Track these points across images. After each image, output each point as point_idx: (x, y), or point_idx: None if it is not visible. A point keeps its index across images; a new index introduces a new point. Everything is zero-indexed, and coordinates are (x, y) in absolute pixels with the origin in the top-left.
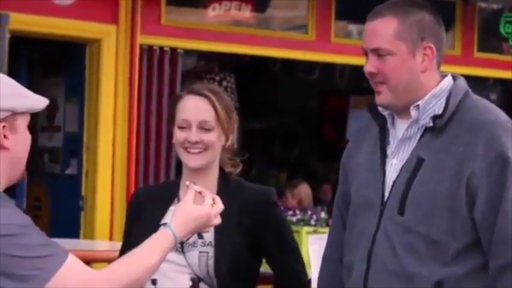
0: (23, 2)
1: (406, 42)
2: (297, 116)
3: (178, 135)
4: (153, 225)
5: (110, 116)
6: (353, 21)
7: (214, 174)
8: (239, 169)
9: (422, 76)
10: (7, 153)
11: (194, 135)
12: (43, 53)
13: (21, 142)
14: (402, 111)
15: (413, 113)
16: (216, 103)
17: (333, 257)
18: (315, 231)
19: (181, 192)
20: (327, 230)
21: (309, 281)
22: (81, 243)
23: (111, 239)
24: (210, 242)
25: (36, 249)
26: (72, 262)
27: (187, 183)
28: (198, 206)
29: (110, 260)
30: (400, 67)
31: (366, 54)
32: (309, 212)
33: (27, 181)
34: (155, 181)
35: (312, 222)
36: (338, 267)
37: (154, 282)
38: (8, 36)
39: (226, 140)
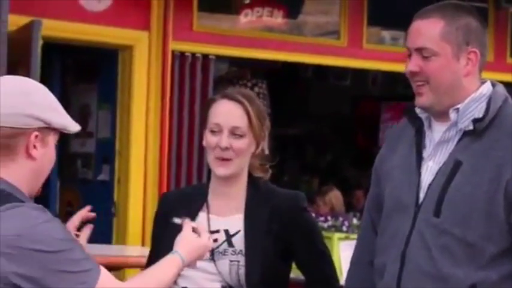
0: (56, 8)
1: (451, 44)
2: (329, 122)
3: (210, 139)
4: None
5: (142, 122)
6: (385, 27)
7: (243, 181)
8: (268, 175)
9: (464, 80)
10: (33, 163)
11: (225, 140)
12: (76, 60)
13: (48, 157)
14: (441, 114)
15: (452, 115)
16: (250, 109)
17: (362, 260)
18: (346, 238)
19: (209, 197)
20: None
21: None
22: (113, 249)
23: (143, 244)
24: (241, 251)
25: (82, 264)
26: (105, 274)
27: (186, 220)
28: (199, 238)
29: (141, 266)
30: (443, 68)
31: (409, 54)
32: (341, 218)
33: (59, 186)
34: (178, 188)
35: (344, 228)
36: (367, 270)
37: None
38: (40, 42)
39: (257, 147)
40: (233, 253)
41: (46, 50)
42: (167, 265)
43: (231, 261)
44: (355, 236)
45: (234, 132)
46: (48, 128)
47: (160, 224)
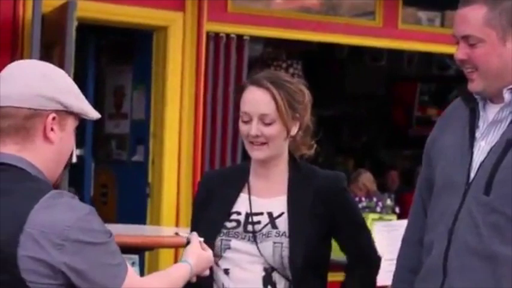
0: None
1: (496, 29)
2: (365, 103)
3: (242, 128)
4: (223, 212)
5: (176, 103)
6: (421, 8)
7: (283, 162)
8: (313, 150)
9: None
10: (51, 147)
11: (254, 128)
12: (110, 41)
13: (66, 141)
14: (495, 95)
15: (506, 95)
16: (277, 96)
17: (412, 238)
18: (380, 218)
19: (251, 178)
20: (393, 217)
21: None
22: (147, 230)
23: (177, 225)
24: (285, 233)
25: (117, 256)
26: (130, 269)
27: (189, 235)
28: (204, 251)
29: (175, 246)
30: (490, 54)
31: (456, 41)
32: (375, 199)
33: (94, 167)
34: (220, 167)
35: (378, 209)
36: (417, 248)
37: (226, 271)
38: (75, 23)
39: (288, 132)
40: (277, 235)
41: (81, 31)
42: (179, 271)
43: (275, 243)
44: (389, 216)
45: (263, 120)
46: (66, 112)
47: (201, 205)
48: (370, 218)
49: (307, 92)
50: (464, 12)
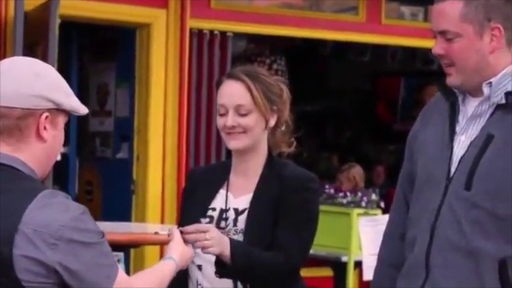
0: None
1: (472, 23)
2: (349, 98)
3: (219, 121)
4: (202, 207)
5: (160, 100)
6: (404, 3)
7: (260, 159)
8: (293, 147)
9: (491, 57)
10: (44, 145)
11: (230, 119)
12: (93, 38)
13: (58, 139)
14: (473, 89)
15: (485, 90)
16: (252, 86)
17: (393, 234)
18: (365, 213)
19: (231, 175)
20: (378, 212)
21: (360, 262)
22: (132, 227)
23: (162, 222)
24: (242, 230)
25: (110, 257)
26: (120, 270)
27: (168, 231)
28: (187, 247)
29: (160, 243)
30: (467, 49)
31: (434, 35)
32: (360, 194)
33: (78, 165)
34: (206, 164)
35: (363, 204)
36: (399, 244)
37: (200, 267)
38: (58, 21)
39: (266, 122)
40: (235, 232)
41: (64, 29)
42: (166, 268)
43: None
44: (374, 211)
45: (238, 111)
46: (58, 110)
47: (188, 199)
48: (355, 213)
49: (285, 89)
50: (441, 7)
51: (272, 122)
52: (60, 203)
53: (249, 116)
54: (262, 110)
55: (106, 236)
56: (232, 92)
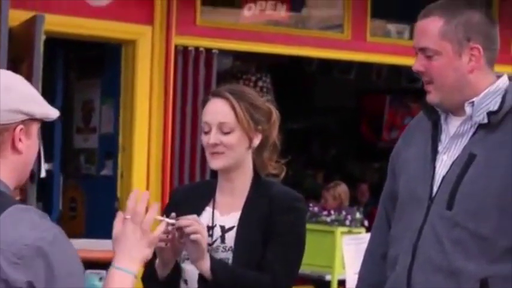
0: (58, 3)
1: (451, 42)
2: (334, 115)
3: (203, 138)
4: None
5: (145, 117)
6: (389, 20)
7: (246, 178)
8: (283, 172)
9: (470, 76)
10: (19, 157)
11: (213, 137)
12: (79, 55)
13: (32, 148)
14: (455, 108)
15: (467, 109)
16: (236, 105)
17: (375, 253)
18: (349, 232)
19: (217, 194)
20: (361, 230)
21: (344, 281)
22: None
23: None
24: (231, 247)
25: (78, 274)
26: None
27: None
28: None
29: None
30: (445, 67)
31: (416, 52)
32: (344, 212)
33: (63, 182)
34: (190, 182)
35: (347, 222)
36: (380, 263)
37: (186, 282)
38: (43, 37)
39: (250, 142)
40: (223, 250)
41: (49, 45)
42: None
43: (221, 258)
44: (358, 230)
45: (222, 129)
46: (31, 119)
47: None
48: (339, 232)
49: (275, 111)
50: (422, 24)
51: (256, 142)
52: (30, 220)
53: (231, 134)
54: (245, 129)
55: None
56: (216, 110)
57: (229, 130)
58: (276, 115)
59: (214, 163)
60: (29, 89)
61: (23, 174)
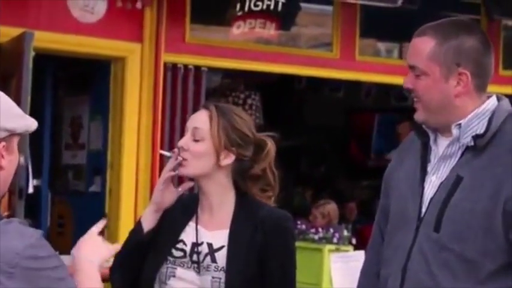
0: (48, 20)
1: (439, 65)
2: (323, 134)
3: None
4: (170, 240)
5: (134, 134)
6: (378, 39)
7: (222, 195)
8: (271, 201)
9: (456, 100)
10: (1, 172)
11: (184, 140)
12: (68, 71)
13: (13, 162)
14: (442, 129)
15: (454, 131)
16: (214, 117)
17: (369, 272)
18: (337, 250)
19: (199, 209)
20: (349, 248)
21: None
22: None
23: None
24: (223, 268)
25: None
26: None
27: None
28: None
29: None
30: (431, 88)
31: (408, 69)
32: (331, 230)
33: (51, 198)
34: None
35: (335, 240)
36: (375, 282)
37: None
38: (32, 54)
39: (217, 157)
40: (215, 269)
41: (38, 61)
42: (94, 273)
43: (213, 277)
44: (346, 247)
45: (194, 135)
46: (12, 135)
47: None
48: (326, 249)
49: (270, 145)
50: (415, 42)
51: (225, 161)
52: (15, 229)
53: (200, 142)
54: (215, 143)
55: (61, 260)
56: (196, 117)
57: (200, 138)
58: (270, 148)
59: (180, 170)
60: (8, 103)
61: (4, 188)
